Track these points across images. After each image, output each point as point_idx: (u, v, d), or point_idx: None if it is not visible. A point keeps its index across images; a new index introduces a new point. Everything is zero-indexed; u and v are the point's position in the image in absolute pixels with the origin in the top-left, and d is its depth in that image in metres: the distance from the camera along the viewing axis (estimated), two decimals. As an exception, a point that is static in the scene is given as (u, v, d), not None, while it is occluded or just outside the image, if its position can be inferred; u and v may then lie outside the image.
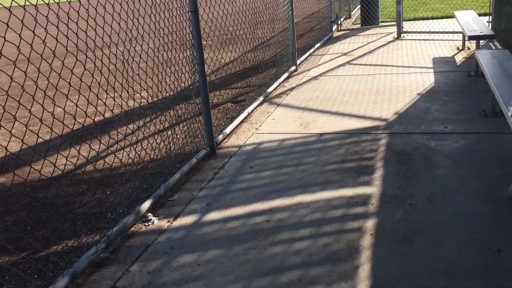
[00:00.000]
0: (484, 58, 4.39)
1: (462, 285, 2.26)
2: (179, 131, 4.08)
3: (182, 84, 4.20)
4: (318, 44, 8.35)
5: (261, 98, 5.48)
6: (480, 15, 7.61)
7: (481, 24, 6.31)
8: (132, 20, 3.05)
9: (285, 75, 6.42)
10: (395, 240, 2.66)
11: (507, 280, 2.25)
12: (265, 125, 4.75)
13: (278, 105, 5.38)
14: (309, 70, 6.87)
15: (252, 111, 5.18)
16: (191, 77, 4.00)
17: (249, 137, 4.46)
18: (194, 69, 3.93)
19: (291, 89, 5.98)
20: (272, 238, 2.79)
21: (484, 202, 2.97)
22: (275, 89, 5.98)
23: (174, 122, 4.20)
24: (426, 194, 3.13)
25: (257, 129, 4.68)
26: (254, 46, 6.34)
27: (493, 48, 6.66)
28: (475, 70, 5.59)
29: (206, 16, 4.26)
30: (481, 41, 6.92)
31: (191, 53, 3.86)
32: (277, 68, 6.28)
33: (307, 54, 7.66)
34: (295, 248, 2.67)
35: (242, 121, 4.87)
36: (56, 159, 3.33)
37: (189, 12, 3.76)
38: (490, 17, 7.35)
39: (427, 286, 2.27)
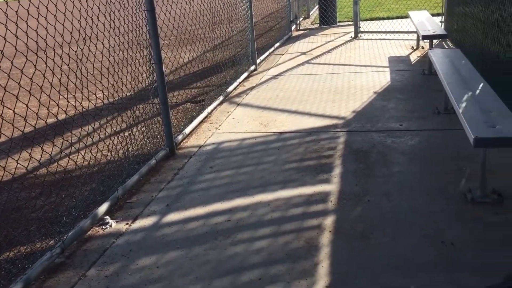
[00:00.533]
0: (437, 57, 4.52)
1: (418, 280, 2.32)
2: (137, 132, 4.01)
3: (140, 84, 4.12)
4: (278, 44, 8.40)
5: (221, 98, 5.46)
6: (433, 15, 7.83)
7: (434, 24, 6.50)
8: (85, 19, 2.97)
9: (245, 74, 6.42)
10: (353, 237, 2.71)
11: (460, 273, 2.33)
12: (225, 125, 4.74)
13: (238, 104, 5.37)
14: (269, 69, 6.90)
15: (212, 111, 5.15)
16: (148, 77, 3.94)
17: (209, 137, 4.43)
18: (152, 68, 3.87)
19: (251, 88, 5.99)
20: (233, 237, 2.79)
21: (438, 197, 3.06)
22: (235, 88, 5.97)
23: (132, 123, 4.12)
24: (383, 191, 3.20)
25: (217, 128, 4.66)
26: (214, 46, 6.31)
27: (446, 47, 6.87)
28: (429, 69, 5.75)
29: (163, 15, 4.21)
30: (434, 41, 7.13)
31: (148, 52, 3.80)
32: (236, 68, 6.27)
33: (267, 53, 7.68)
34: (256, 247, 2.67)
35: (202, 121, 4.84)
36: (6, 162, 3.21)
37: (146, 11, 3.70)
38: (443, 17, 7.58)
39: (384, 281, 2.32)
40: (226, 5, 5.86)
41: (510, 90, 3.89)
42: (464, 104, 3.16)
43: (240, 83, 6.18)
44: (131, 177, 3.47)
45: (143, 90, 4.39)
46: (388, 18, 9.73)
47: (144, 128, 4.04)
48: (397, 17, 9.51)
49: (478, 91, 3.43)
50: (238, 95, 5.75)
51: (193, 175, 3.66)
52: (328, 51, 7.73)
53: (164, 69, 3.94)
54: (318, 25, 10.17)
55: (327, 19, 9.86)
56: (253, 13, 6.69)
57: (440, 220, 2.80)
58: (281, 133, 4.40)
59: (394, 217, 2.89)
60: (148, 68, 3.87)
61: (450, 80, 3.75)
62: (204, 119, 4.90)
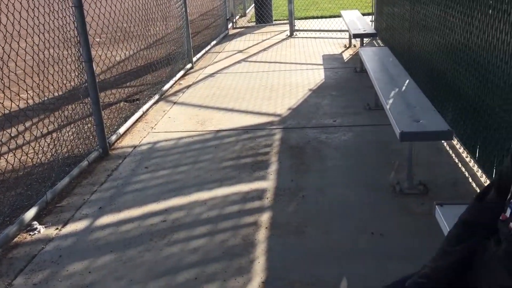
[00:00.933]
0: (367, 55, 4.68)
1: (350, 269, 2.39)
2: (67, 133, 3.86)
3: (69, 84, 3.97)
4: (214, 42, 8.37)
5: (156, 97, 5.37)
6: (364, 14, 8.09)
7: (365, 23, 6.73)
8: (6, 15, 2.82)
9: (181, 72, 6.35)
10: (289, 232, 2.75)
11: (389, 262, 2.42)
12: (161, 124, 4.66)
13: (175, 103, 5.31)
14: (205, 67, 6.86)
15: (148, 110, 5.05)
16: (78, 76, 3.80)
17: (144, 137, 4.35)
18: (82, 67, 3.74)
19: (188, 86, 5.93)
20: (169, 238, 2.75)
21: (369, 190, 3.17)
22: (171, 87, 5.90)
23: (61, 124, 3.96)
24: (317, 185, 3.27)
25: (152, 128, 4.58)
26: (149, 44, 6.19)
27: (376, 45, 7.13)
28: (361, 66, 5.94)
29: (93, 12, 4.07)
30: (365, 39, 7.36)
31: (77, 50, 3.67)
32: (172, 66, 6.19)
33: (203, 51, 7.64)
34: (192, 247, 2.65)
35: (137, 121, 4.73)
36: None
37: (73, 7, 3.56)
38: (373, 16, 7.86)
39: (319, 273, 2.37)
40: (160, 2, 5.76)
41: (434, 86, 4.10)
42: (391, 100, 3.30)
43: (176, 81, 6.10)
44: (61, 180, 3.34)
45: (73, 90, 4.23)
46: (322, 17, 9.95)
47: (74, 129, 3.90)
48: (331, 16, 9.75)
49: (404, 87, 3.59)
50: (175, 93, 5.68)
51: (128, 176, 3.58)
52: (265, 49, 7.80)
53: (95, 68, 3.82)
54: (255, 23, 10.23)
55: (263, 18, 9.95)
56: (188, 11, 6.63)
57: (371, 212, 2.91)
58: (218, 131, 4.39)
59: (328, 210, 2.96)
60: (77, 66, 3.74)
61: (379, 77, 3.90)
62: (139, 118, 4.80)
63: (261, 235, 2.73)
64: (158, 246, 2.67)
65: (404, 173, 3.16)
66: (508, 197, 1.12)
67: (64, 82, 3.83)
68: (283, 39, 8.49)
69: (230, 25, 9.78)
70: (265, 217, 2.91)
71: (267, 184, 3.33)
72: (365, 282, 2.29)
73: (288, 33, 8.80)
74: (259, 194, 3.19)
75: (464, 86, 3.30)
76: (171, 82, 5.94)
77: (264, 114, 4.78)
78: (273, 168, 3.57)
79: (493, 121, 2.81)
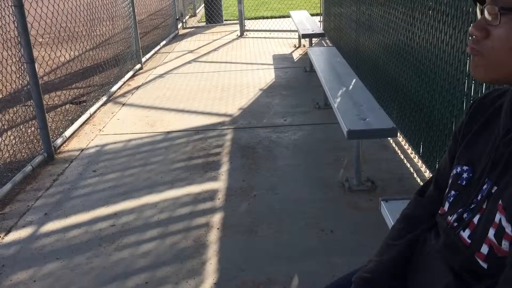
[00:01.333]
0: (315, 55, 4.75)
1: (301, 267, 2.42)
2: (9, 138, 3.70)
3: (10, 86, 3.81)
4: (164, 42, 8.27)
5: (104, 98, 5.24)
6: (313, 15, 8.23)
7: (313, 24, 6.83)
8: None
9: (130, 73, 6.23)
10: (240, 232, 2.75)
11: (339, 258, 2.47)
12: (109, 126, 4.56)
13: (123, 104, 5.20)
14: (155, 68, 6.76)
15: (95, 112, 4.93)
16: (19, 78, 3.65)
17: (92, 139, 4.23)
18: (23, 69, 3.60)
19: (137, 87, 5.83)
20: (118, 243, 2.69)
21: (319, 188, 3.22)
22: (119, 88, 5.77)
23: (2, 128, 3.80)
24: (269, 185, 3.29)
25: (100, 130, 4.46)
26: (96, 44, 6.03)
27: (325, 45, 7.26)
28: (310, 66, 6.03)
29: (34, 12, 3.93)
30: (314, 39, 7.49)
31: (17, 51, 3.52)
32: (120, 67, 6.06)
33: (153, 52, 7.53)
34: (142, 251, 2.60)
35: (84, 123, 4.60)
36: None
37: (13, 7, 3.42)
38: (321, 17, 7.99)
39: (270, 271, 2.39)
40: (106, 1, 5.62)
41: (380, 85, 4.22)
42: (338, 99, 3.36)
43: (125, 82, 5.98)
44: (3, 186, 3.20)
45: (14, 92, 4.06)
46: (272, 17, 10.03)
47: (17, 133, 3.74)
48: (280, 17, 9.85)
49: (351, 87, 3.67)
50: (123, 95, 5.56)
51: (74, 180, 3.47)
52: (215, 49, 7.78)
53: (38, 69, 3.69)
54: (205, 23, 10.18)
55: (214, 18, 9.92)
56: (136, 11, 6.51)
57: (321, 209, 2.95)
58: (168, 132, 4.34)
59: (279, 209, 2.98)
60: (18, 68, 3.59)
61: (327, 76, 3.97)
62: (86, 121, 4.67)
63: (213, 236, 2.72)
64: (107, 252, 2.61)
65: (352, 170, 3.23)
66: (446, 191, 1.16)
67: (5, 84, 3.67)
68: (234, 39, 8.49)
69: (180, 25, 9.69)
70: (216, 218, 2.90)
71: (219, 184, 3.32)
72: (315, 279, 2.32)
73: (238, 33, 8.81)
74: (210, 195, 3.18)
75: (408, 85, 3.41)
76: (120, 83, 5.81)
77: (215, 115, 4.76)
78: (224, 168, 3.56)
79: (435, 118, 2.92)
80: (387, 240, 1.32)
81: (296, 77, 5.93)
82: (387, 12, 3.85)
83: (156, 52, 7.67)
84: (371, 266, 1.28)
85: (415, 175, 3.32)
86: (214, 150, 3.89)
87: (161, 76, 6.33)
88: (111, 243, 2.69)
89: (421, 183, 3.16)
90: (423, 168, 3.31)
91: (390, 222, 1.83)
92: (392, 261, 1.24)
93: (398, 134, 3.73)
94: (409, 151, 3.62)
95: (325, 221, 2.81)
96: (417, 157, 3.43)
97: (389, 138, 3.85)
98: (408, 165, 3.47)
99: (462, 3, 2.46)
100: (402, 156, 3.61)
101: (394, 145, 3.80)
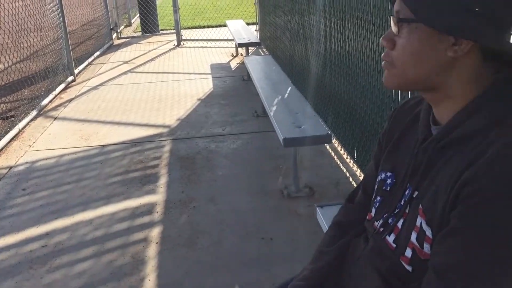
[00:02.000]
0: (251, 64, 4.79)
1: (242, 277, 2.41)
2: None
3: None
4: (98, 53, 8.05)
5: (34, 112, 5.01)
6: (249, 24, 8.30)
7: (249, 33, 6.89)
8: None
9: (62, 86, 6.01)
10: (180, 245, 2.71)
11: (279, 266, 2.48)
12: (40, 142, 4.36)
13: (55, 118, 5.00)
14: (89, 79, 6.56)
15: (25, 127, 4.70)
16: None
17: (21, 156, 4.03)
18: None
19: (70, 100, 5.63)
20: (50, 264, 2.57)
21: (258, 196, 3.23)
22: (51, 101, 5.55)
23: None
24: (208, 195, 3.27)
25: (31, 146, 4.26)
26: (24, 57, 5.77)
27: (262, 54, 7.33)
28: (247, 75, 6.06)
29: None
30: (251, 48, 7.56)
31: None
32: (51, 79, 5.83)
33: (86, 63, 7.30)
34: (77, 271, 2.50)
35: (12, 139, 4.38)
36: None
37: None
38: (257, 26, 8.08)
39: (211, 284, 2.36)
40: (33, 12, 5.40)
41: (315, 92, 4.31)
42: (274, 108, 3.40)
43: (56, 95, 5.76)
44: None
45: None
46: (209, 26, 10.04)
47: None
48: (217, 26, 9.87)
49: (287, 94, 3.73)
50: (55, 108, 5.35)
51: (2, 200, 3.29)
52: (152, 59, 7.66)
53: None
54: (141, 33, 10.02)
55: (149, 27, 9.78)
56: (67, 21, 6.30)
57: (261, 217, 2.96)
58: (103, 146, 4.21)
59: (219, 219, 2.97)
60: None
61: (263, 85, 4.00)
62: (15, 136, 4.44)
63: (152, 251, 2.66)
64: (39, 274, 2.48)
65: (291, 177, 3.27)
66: (373, 196, 1.19)
67: None
68: (171, 49, 8.41)
69: (114, 35, 9.47)
70: (155, 232, 2.84)
71: (157, 197, 3.25)
72: (257, 288, 2.32)
73: (175, 42, 8.73)
74: (149, 209, 3.11)
75: (341, 92, 3.50)
76: (51, 96, 5.59)
77: (152, 126, 4.68)
78: (163, 180, 3.50)
79: (367, 124, 3.01)
80: (320, 248, 1.34)
81: (234, 86, 5.95)
82: (319, 21, 3.94)
83: (89, 63, 7.45)
84: (305, 274, 1.30)
85: (351, 179, 3.40)
86: (152, 163, 3.82)
87: (95, 87, 6.15)
88: (43, 264, 2.56)
89: (357, 187, 3.25)
90: (358, 172, 3.40)
91: (326, 227, 1.86)
92: (325, 268, 1.26)
93: (334, 140, 3.82)
94: (345, 156, 3.72)
95: (265, 230, 2.82)
96: (352, 161, 3.52)
97: (325, 144, 3.93)
98: (344, 170, 3.56)
99: (387, 13, 2.56)
100: (338, 161, 3.70)
101: (330, 150, 3.89)
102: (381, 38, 0.98)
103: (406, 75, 0.96)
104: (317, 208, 1.97)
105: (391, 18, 0.95)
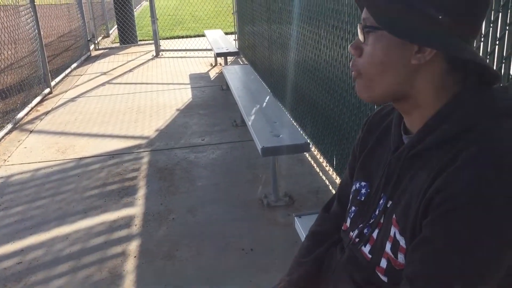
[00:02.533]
0: (229, 74, 4.78)
1: (222, 289, 2.38)
2: None
3: None
4: (75, 64, 7.96)
5: (9, 126, 4.92)
6: (227, 33, 8.32)
7: (228, 42, 6.90)
8: None
9: (38, 98, 5.91)
10: (159, 258, 2.67)
11: (260, 276, 2.46)
12: (15, 156, 4.27)
13: (31, 131, 4.91)
14: (66, 91, 6.47)
15: (-1, 141, 4.61)
16: None
17: (-4, 171, 3.95)
18: None
19: (46, 113, 5.54)
20: (25, 281, 2.50)
21: (238, 206, 3.21)
22: (26, 114, 5.45)
23: None
24: (187, 206, 3.23)
25: (5, 161, 4.17)
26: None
27: (241, 63, 7.34)
28: (226, 84, 6.05)
29: None
30: (229, 58, 7.56)
31: None
32: (27, 92, 5.73)
33: (63, 75, 7.21)
34: (52, 288, 2.44)
35: (-14, 154, 4.29)
36: None
37: None
38: (236, 35, 8.10)
39: (190, 297, 2.33)
40: (6, 24, 5.31)
41: (293, 100, 4.32)
42: (253, 117, 3.39)
43: (32, 108, 5.66)
44: None
45: None
46: (188, 36, 10.02)
47: None
48: (196, 36, 9.86)
49: (265, 104, 3.73)
50: (31, 121, 5.26)
51: (-25, 216, 3.21)
52: (130, 70, 7.61)
53: None
54: (119, 44, 9.95)
55: (128, 38, 9.72)
56: (42, 33, 6.22)
57: (240, 228, 2.94)
58: (81, 158, 4.14)
59: (199, 230, 2.93)
60: None
61: (241, 95, 4.00)
62: (-11, 151, 4.35)
63: (130, 265, 2.61)
64: (13, 292, 2.42)
65: (270, 187, 3.26)
66: (348, 206, 1.19)
67: None
68: (149, 59, 8.37)
69: (92, 47, 9.39)
70: (133, 245, 2.79)
71: (136, 210, 3.21)
72: (237, 300, 2.29)
73: (154, 53, 8.69)
74: (127, 222, 3.06)
75: (319, 100, 3.51)
76: (27, 109, 5.49)
77: (131, 138, 4.63)
78: (141, 192, 3.46)
79: (345, 132, 3.02)
80: (297, 258, 1.32)
81: (213, 95, 5.93)
82: (295, 30, 3.96)
83: (67, 75, 7.36)
84: (282, 285, 1.28)
85: (330, 187, 3.41)
86: (130, 175, 3.77)
87: (72, 99, 6.07)
88: (17, 282, 2.49)
89: (336, 195, 3.25)
90: (338, 180, 3.41)
91: (303, 237, 1.84)
92: (302, 279, 1.25)
93: (313, 148, 3.83)
94: (324, 164, 3.72)
95: (245, 240, 2.80)
96: (331, 169, 3.53)
97: (305, 152, 3.93)
98: (324, 178, 3.56)
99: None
100: (318, 169, 3.70)
101: (310, 158, 3.89)
102: (349, 46, 0.98)
103: (374, 85, 0.95)
104: (295, 218, 1.96)
105: (359, 25, 0.95)
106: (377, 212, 1.04)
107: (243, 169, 3.79)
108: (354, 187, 1.17)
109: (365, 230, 1.07)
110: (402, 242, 0.94)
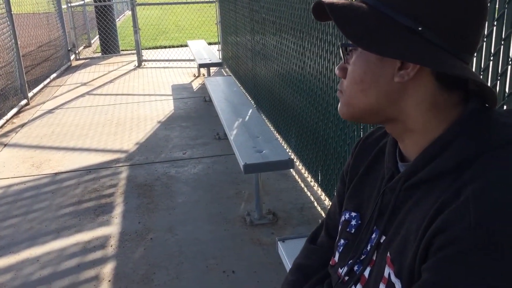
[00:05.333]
0: (212, 85, 4.67)
1: (201, 316, 2.24)
2: None
3: None
4: (55, 75, 7.77)
5: (-18, 139, 4.72)
6: (211, 43, 8.21)
7: (211, 53, 6.78)
8: None
9: (14, 110, 5.72)
10: (135, 282, 2.52)
11: (241, 300, 2.33)
12: (-13, 171, 4.09)
13: (5, 145, 4.72)
14: (44, 103, 6.28)
15: (-29, 155, 4.41)
16: None
17: (-35, 188, 3.75)
18: None
19: (22, 125, 5.35)
20: (-10, 310, 2.33)
21: (220, 224, 3.07)
22: (1, 127, 5.26)
23: None
24: (167, 225, 3.09)
25: (-24, 176, 3.98)
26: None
27: (225, 74, 7.23)
28: (209, 96, 5.94)
29: None
30: (213, 68, 7.45)
31: None
32: (2, 104, 5.54)
33: (41, 85, 7.02)
34: (19, 317, 2.27)
35: (-44, 169, 4.09)
36: None
37: None
38: (220, 45, 7.99)
39: (167, 326, 2.18)
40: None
41: (278, 114, 4.22)
42: (235, 131, 3.27)
43: (8, 120, 5.47)
44: None
45: None
46: (171, 46, 9.90)
47: None
48: (180, 46, 9.75)
49: (248, 117, 3.61)
50: (6, 134, 5.07)
51: None
52: (111, 81, 7.44)
53: None
54: (100, 54, 9.77)
55: (109, 48, 9.55)
56: (20, 43, 6.03)
57: (222, 248, 2.80)
58: (56, 174, 3.97)
59: (178, 252, 2.79)
60: None
61: (223, 107, 3.88)
62: (-41, 166, 4.15)
63: (104, 290, 2.45)
64: (-24, 322, 2.24)
65: (254, 203, 3.13)
66: (337, 239, 1.07)
67: None
68: (131, 70, 8.22)
69: (73, 56, 9.21)
70: (108, 269, 2.64)
71: (112, 229, 3.05)
72: (217, 328, 2.15)
73: (136, 63, 8.54)
74: (102, 242, 2.90)
75: (304, 113, 3.41)
76: (2, 121, 5.30)
77: (109, 151, 4.47)
78: (118, 210, 3.30)
79: (330, 147, 2.92)
80: (280, 295, 1.20)
81: (195, 107, 5.80)
82: (279, 41, 3.87)
83: (45, 86, 7.17)
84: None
85: (315, 203, 3.29)
86: (108, 191, 3.61)
87: (50, 111, 5.88)
88: (-19, 311, 2.33)
89: (322, 212, 3.14)
90: (323, 196, 3.30)
91: (287, 263, 1.72)
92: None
93: (298, 162, 3.72)
94: (309, 179, 3.61)
95: (227, 261, 2.66)
96: (316, 185, 3.42)
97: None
98: (309, 193, 3.45)
99: (347, 33, 2.49)
100: (302, 185, 3.59)
101: (294, 173, 3.77)
102: (336, 68, 0.88)
103: (354, 104, 0.86)
104: (279, 242, 1.84)
105: (340, 46, 0.85)
106: (369, 247, 0.93)
107: (226, 184, 3.66)
108: (343, 217, 1.05)
109: (356, 267, 0.95)
110: (397, 285, 0.83)
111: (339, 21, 0.78)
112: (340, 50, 0.87)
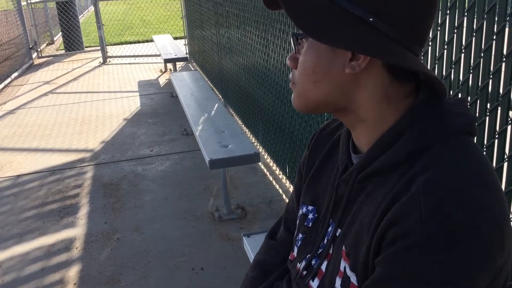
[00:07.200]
0: (177, 80, 4.60)
1: (170, 315, 2.21)
2: None
3: None
4: (16, 74, 7.54)
5: None
6: (177, 38, 8.10)
7: (176, 48, 6.69)
8: None
9: (-27, 111, 5.53)
10: (101, 284, 2.46)
11: (210, 297, 2.31)
12: None
13: (-36, 148, 4.55)
14: (4, 103, 6.09)
15: None
16: None
17: None
18: None
19: (-18, 127, 5.17)
20: None
21: (189, 221, 3.04)
22: (-40, 129, 5.07)
23: None
24: (134, 224, 3.03)
25: None
26: None
27: (192, 69, 7.15)
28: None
29: None
30: (180, 63, 7.36)
31: None
32: (-40, 105, 5.34)
33: (2, 85, 6.81)
34: (-20, 326, 2.20)
35: None
36: None
37: None
38: (186, 40, 7.90)
39: (135, 327, 2.14)
40: None
41: (245, 107, 4.19)
42: (200, 127, 3.23)
43: (-34, 122, 5.28)
44: None
45: None
46: (137, 42, 9.73)
47: None
48: (146, 41, 9.59)
49: (213, 112, 3.57)
50: (-35, 137, 4.89)
51: None
52: (75, 79, 7.27)
53: None
54: (64, 51, 9.53)
55: (73, 45, 9.32)
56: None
57: (191, 245, 2.77)
58: (18, 176, 3.85)
59: (146, 250, 2.74)
60: None
61: (189, 103, 3.83)
62: None
63: (69, 294, 2.39)
64: None
65: (222, 198, 3.11)
66: (295, 234, 1.05)
67: None
68: (96, 67, 8.04)
69: (35, 54, 8.95)
70: (73, 271, 2.57)
71: (77, 231, 2.98)
72: (186, 327, 2.13)
73: (101, 60, 8.37)
74: (66, 245, 2.83)
75: (270, 106, 3.39)
76: (-40, 123, 5.11)
77: (74, 151, 4.36)
78: (84, 211, 3.23)
79: (296, 139, 2.91)
80: (241, 292, 1.18)
81: (162, 103, 5.72)
82: (243, 34, 3.83)
83: (6, 86, 6.95)
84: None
85: (284, 196, 3.29)
86: (72, 192, 3.52)
87: (11, 112, 5.71)
88: None
89: (290, 205, 3.13)
90: (291, 189, 3.29)
91: (253, 258, 1.70)
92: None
93: (266, 155, 3.70)
94: (277, 172, 3.60)
95: (196, 259, 2.63)
96: (284, 178, 3.42)
97: (257, 161, 3.80)
98: (277, 186, 3.44)
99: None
100: (271, 178, 3.58)
101: (263, 167, 3.76)
102: (287, 59, 0.85)
103: (306, 95, 0.84)
104: (244, 238, 1.82)
105: (292, 35, 0.83)
106: (325, 241, 0.92)
107: (194, 180, 3.62)
108: (300, 211, 1.04)
109: (313, 262, 0.94)
110: (353, 279, 0.82)
111: (289, 10, 0.76)
112: (291, 40, 0.85)
